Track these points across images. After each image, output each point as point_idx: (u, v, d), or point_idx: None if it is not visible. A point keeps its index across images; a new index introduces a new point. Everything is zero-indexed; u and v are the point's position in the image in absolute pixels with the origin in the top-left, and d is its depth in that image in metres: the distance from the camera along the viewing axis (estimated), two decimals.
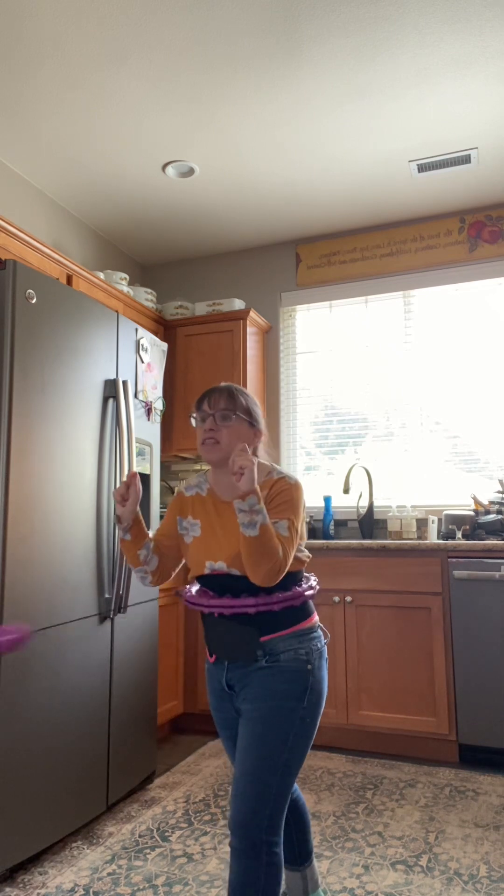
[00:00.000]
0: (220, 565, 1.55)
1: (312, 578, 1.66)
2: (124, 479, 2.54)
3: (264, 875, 1.41)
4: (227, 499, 1.62)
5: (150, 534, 1.71)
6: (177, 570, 1.73)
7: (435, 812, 2.46)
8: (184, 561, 1.73)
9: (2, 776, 1.98)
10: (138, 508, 1.61)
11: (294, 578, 1.59)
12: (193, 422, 1.63)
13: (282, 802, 1.46)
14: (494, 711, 2.89)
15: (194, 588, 1.68)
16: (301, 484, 1.60)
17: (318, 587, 1.64)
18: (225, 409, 1.57)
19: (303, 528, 1.58)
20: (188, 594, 1.64)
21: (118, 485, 2.57)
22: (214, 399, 1.59)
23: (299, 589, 1.57)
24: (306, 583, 1.63)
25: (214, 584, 1.58)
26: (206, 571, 1.58)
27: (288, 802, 1.49)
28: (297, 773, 1.50)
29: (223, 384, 1.63)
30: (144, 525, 1.66)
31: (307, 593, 1.59)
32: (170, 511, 1.72)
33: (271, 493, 1.55)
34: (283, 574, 1.48)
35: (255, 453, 1.62)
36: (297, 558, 1.59)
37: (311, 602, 1.62)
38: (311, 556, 1.65)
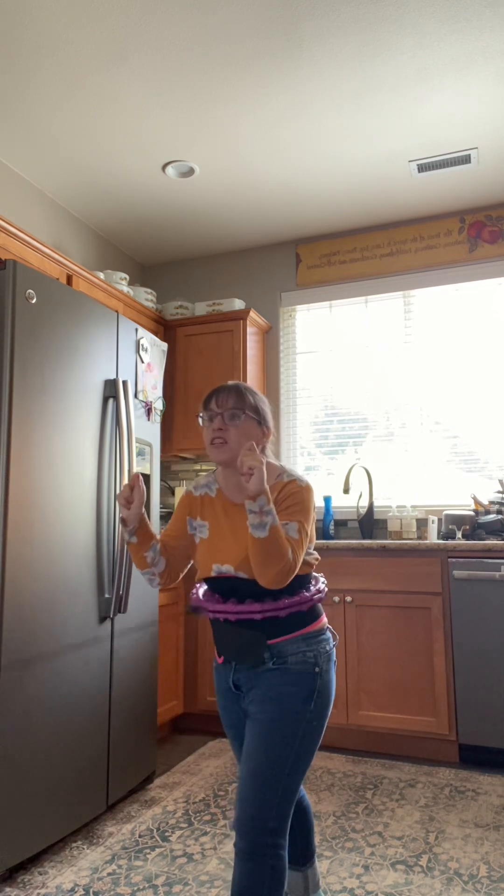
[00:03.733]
0: (228, 568, 1.54)
1: (321, 580, 1.64)
2: (126, 481, 2.53)
3: (269, 878, 1.40)
4: (236, 500, 1.60)
5: (156, 535, 1.68)
6: (185, 570, 1.71)
7: (435, 812, 2.46)
8: (192, 562, 1.71)
9: (2, 776, 1.98)
10: (143, 510, 1.58)
11: (302, 582, 1.57)
12: (200, 421, 1.60)
13: (287, 805, 1.45)
14: (494, 711, 2.89)
15: (202, 590, 1.65)
16: (311, 486, 1.57)
17: (326, 589, 1.61)
18: (234, 408, 1.54)
19: (312, 530, 1.56)
20: (195, 596, 1.62)
21: (118, 485, 2.57)
22: (222, 398, 1.56)
23: (307, 594, 1.55)
24: (314, 585, 1.60)
25: (221, 586, 1.57)
26: (213, 574, 1.57)
27: (294, 805, 1.49)
28: (304, 776, 1.49)
29: (230, 382, 1.60)
30: (150, 525, 1.63)
31: (315, 597, 1.56)
32: (178, 511, 1.68)
33: (282, 495, 1.53)
34: (292, 577, 1.46)
35: (262, 452, 1.59)
36: (305, 561, 1.57)
37: (319, 605, 1.60)
38: (319, 558, 1.63)
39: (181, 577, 1.69)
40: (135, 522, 1.57)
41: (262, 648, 1.51)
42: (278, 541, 1.41)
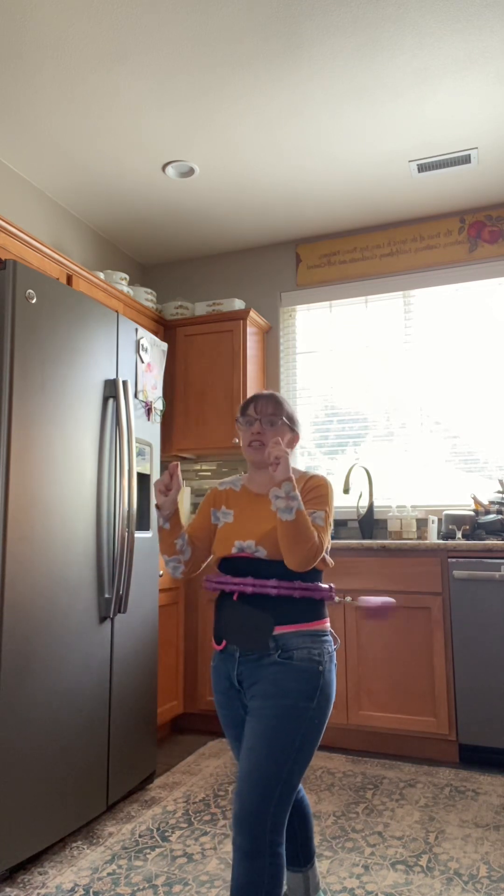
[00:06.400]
0: (249, 544, 1.61)
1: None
2: (126, 481, 2.56)
3: (268, 875, 1.41)
4: (261, 492, 1.71)
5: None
6: (206, 562, 1.80)
7: (435, 812, 2.46)
8: (211, 556, 1.78)
9: (2, 776, 1.98)
10: (178, 497, 1.68)
11: (316, 575, 1.65)
12: (238, 425, 1.73)
13: (287, 802, 1.46)
14: (494, 711, 2.89)
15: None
16: (331, 483, 1.69)
17: (335, 596, 1.68)
18: (272, 414, 1.68)
19: (329, 534, 1.64)
20: (208, 577, 1.69)
21: (118, 485, 2.58)
22: (262, 405, 1.70)
23: (322, 585, 1.63)
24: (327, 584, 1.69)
25: (238, 567, 1.63)
26: (234, 551, 1.63)
27: (292, 803, 1.49)
28: (303, 775, 1.50)
29: (266, 392, 1.74)
30: (180, 516, 1.73)
31: (327, 590, 1.64)
32: (203, 505, 1.79)
33: (307, 487, 1.65)
34: (319, 559, 1.55)
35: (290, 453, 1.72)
36: (322, 558, 1.64)
37: (326, 605, 1.65)
38: (333, 563, 1.69)
39: (201, 568, 1.79)
40: (170, 508, 1.67)
41: (267, 633, 1.55)
42: (305, 523, 1.52)
